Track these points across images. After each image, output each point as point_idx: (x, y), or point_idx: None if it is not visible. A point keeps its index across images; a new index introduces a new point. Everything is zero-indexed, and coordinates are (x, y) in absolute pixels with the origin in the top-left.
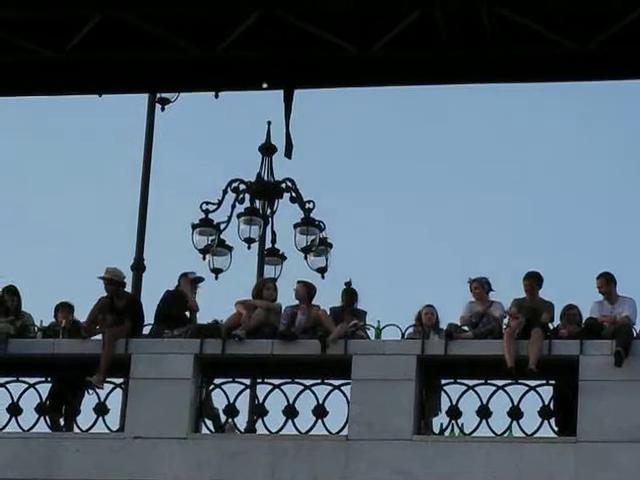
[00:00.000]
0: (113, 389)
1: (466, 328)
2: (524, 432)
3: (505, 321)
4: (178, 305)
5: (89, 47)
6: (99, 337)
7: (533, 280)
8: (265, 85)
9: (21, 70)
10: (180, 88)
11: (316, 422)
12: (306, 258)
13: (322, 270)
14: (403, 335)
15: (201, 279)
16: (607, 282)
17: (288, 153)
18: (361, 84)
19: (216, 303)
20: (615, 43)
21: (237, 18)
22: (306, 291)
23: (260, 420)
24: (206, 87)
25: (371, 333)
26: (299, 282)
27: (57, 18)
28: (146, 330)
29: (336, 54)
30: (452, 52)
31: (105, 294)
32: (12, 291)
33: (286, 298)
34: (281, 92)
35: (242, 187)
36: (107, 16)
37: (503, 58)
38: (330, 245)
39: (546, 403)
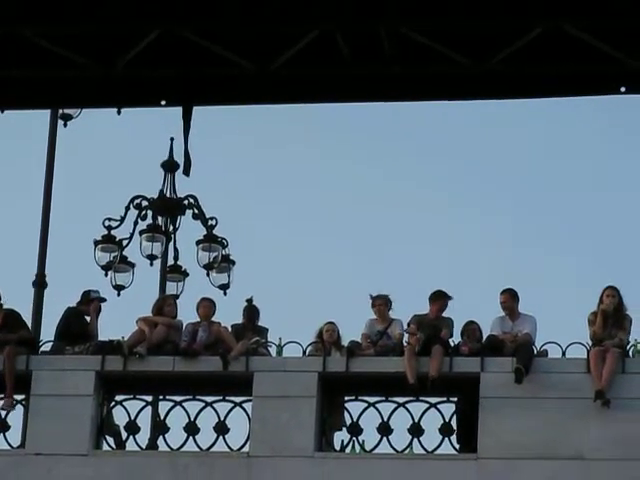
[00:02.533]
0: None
1: (367, 345)
2: (425, 449)
3: (405, 338)
4: (79, 322)
5: None
6: None
7: (443, 301)
8: (163, 102)
9: None
10: (80, 105)
11: (217, 439)
12: (208, 275)
13: (224, 287)
14: (304, 352)
15: (103, 299)
16: (511, 298)
17: (186, 171)
18: (260, 101)
19: (118, 320)
20: (514, 62)
21: (137, 35)
22: (208, 308)
23: (161, 437)
24: (106, 104)
25: (272, 350)
26: (201, 299)
27: None
28: (47, 347)
29: (235, 72)
30: (352, 70)
31: None
32: None
33: (188, 315)
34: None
35: (144, 204)
36: (5, 33)
37: (402, 76)
38: (233, 262)
39: (447, 420)
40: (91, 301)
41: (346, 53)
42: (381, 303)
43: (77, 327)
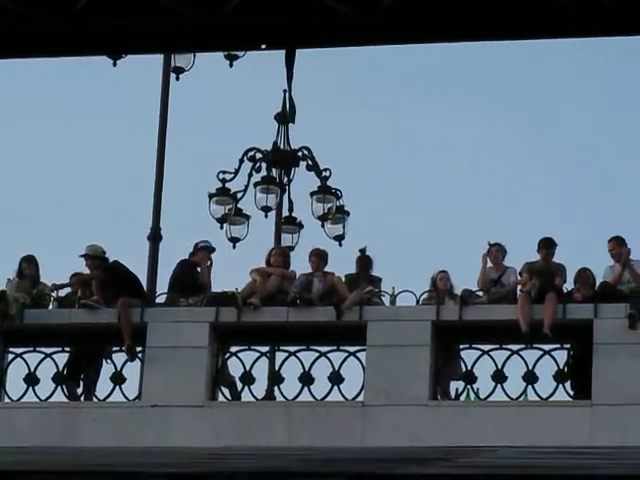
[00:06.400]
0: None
1: (480, 293)
2: (539, 396)
3: (518, 287)
4: (190, 274)
5: (91, 14)
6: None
7: (550, 248)
8: (264, 46)
9: (22, 35)
10: (186, 50)
11: (332, 389)
12: (323, 226)
13: (339, 238)
14: (418, 301)
15: (211, 249)
16: (618, 245)
17: (292, 117)
18: (365, 43)
19: (234, 272)
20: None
21: None
22: (317, 259)
23: (276, 387)
24: (208, 49)
25: (386, 299)
26: (312, 250)
27: None
28: (162, 299)
29: (338, 19)
30: (451, 13)
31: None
32: (30, 260)
33: (304, 266)
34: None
35: (258, 156)
36: None
37: (505, 18)
38: (347, 213)
39: (561, 367)
40: (200, 251)
41: None
42: (497, 249)
43: (189, 279)
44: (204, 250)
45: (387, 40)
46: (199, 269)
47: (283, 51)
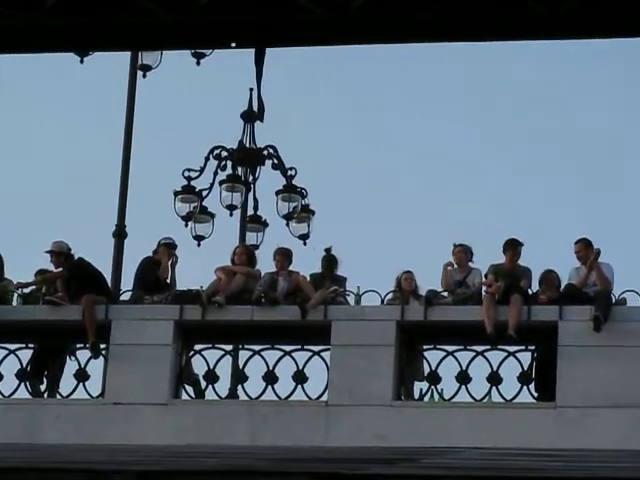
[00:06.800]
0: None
1: (445, 294)
2: (503, 398)
3: (483, 288)
4: (153, 271)
5: (59, 11)
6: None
7: (515, 249)
8: (233, 44)
9: None
10: (155, 48)
11: (296, 388)
12: (288, 225)
13: (304, 237)
14: (382, 301)
15: (173, 245)
16: (585, 247)
17: (260, 116)
18: (337, 43)
19: (198, 270)
20: (585, 7)
21: None
22: (282, 258)
23: (240, 386)
24: (178, 47)
25: (351, 299)
26: (276, 249)
27: None
28: (127, 296)
29: (309, 18)
30: (422, 13)
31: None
32: None
33: (269, 265)
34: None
35: (224, 154)
36: None
37: (476, 19)
38: (312, 212)
39: (525, 369)
40: (162, 247)
41: None
42: (461, 250)
43: (152, 276)
44: (166, 247)
45: (358, 40)
46: (161, 268)
47: (252, 50)
